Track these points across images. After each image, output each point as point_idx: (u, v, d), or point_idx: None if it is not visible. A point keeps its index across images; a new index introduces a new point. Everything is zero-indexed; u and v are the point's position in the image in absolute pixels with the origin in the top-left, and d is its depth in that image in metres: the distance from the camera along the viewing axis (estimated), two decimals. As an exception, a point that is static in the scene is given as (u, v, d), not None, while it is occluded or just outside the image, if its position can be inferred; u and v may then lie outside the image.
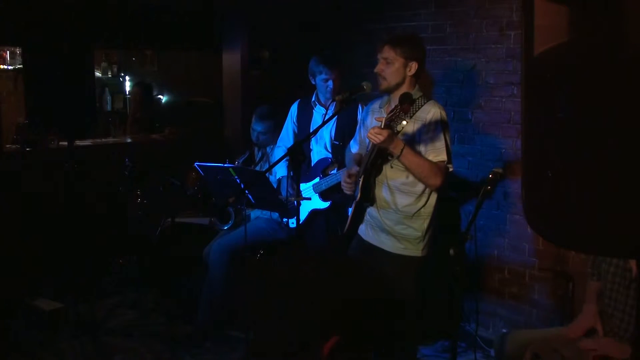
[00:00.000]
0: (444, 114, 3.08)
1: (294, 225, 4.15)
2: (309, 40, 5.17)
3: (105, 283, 4.91)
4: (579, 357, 2.79)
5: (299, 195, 3.09)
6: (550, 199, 1.38)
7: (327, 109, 3.95)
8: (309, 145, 4.11)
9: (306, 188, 4.03)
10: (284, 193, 3.93)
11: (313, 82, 4.01)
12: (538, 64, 1.36)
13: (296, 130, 4.18)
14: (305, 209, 4.05)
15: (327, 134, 4.05)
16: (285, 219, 4.19)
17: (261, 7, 5.33)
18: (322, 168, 3.99)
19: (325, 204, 3.98)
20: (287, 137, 4.20)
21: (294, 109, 4.23)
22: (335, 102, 3.69)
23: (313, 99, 4.07)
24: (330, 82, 3.91)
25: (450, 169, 3.09)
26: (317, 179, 3.99)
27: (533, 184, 1.43)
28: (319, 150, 4.08)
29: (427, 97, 3.16)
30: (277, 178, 4.28)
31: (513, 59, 3.96)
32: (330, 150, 4.04)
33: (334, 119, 3.97)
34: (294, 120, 4.21)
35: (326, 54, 4.05)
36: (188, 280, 4.64)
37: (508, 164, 4.02)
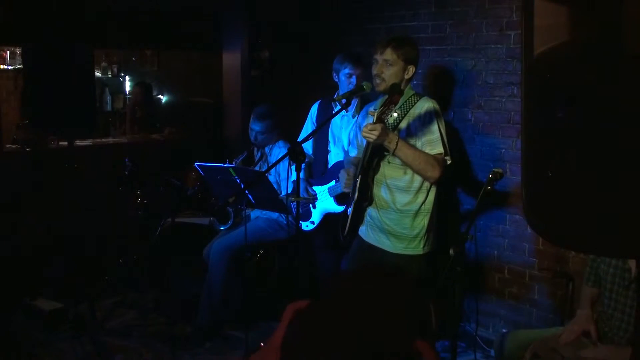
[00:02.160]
0: (437, 107, 3.10)
1: (309, 228, 4.13)
2: (309, 40, 5.17)
3: (105, 283, 4.91)
4: (579, 357, 2.79)
5: (298, 196, 3.08)
6: (550, 199, 1.38)
7: (347, 110, 3.91)
8: (327, 147, 4.08)
9: (322, 191, 4.01)
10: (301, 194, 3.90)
11: (336, 80, 3.97)
12: (538, 64, 1.36)
13: None
14: (319, 212, 4.04)
15: (344, 135, 4.01)
16: (300, 222, 4.14)
17: (261, 7, 5.33)
18: (339, 171, 3.96)
19: (340, 208, 3.95)
20: None
21: (314, 109, 4.19)
22: (352, 102, 3.67)
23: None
24: (353, 78, 3.88)
25: (449, 162, 3.09)
26: (332, 182, 3.96)
27: (533, 184, 1.43)
28: (337, 152, 4.05)
29: (421, 95, 3.18)
30: (293, 180, 4.24)
31: (513, 59, 3.96)
32: None
33: (354, 121, 3.95)
34: (314, 121, 4.17)
35: (351, 51, 4.05)
36: (188, 280, 4.64)
37: (508, 164, 4.02)
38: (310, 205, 4.07)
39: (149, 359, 3.98)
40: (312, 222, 4.07)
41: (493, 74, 4.08)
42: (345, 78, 3.91)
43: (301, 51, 5.20)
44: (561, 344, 2.88)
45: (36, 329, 4.23)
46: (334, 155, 4.06)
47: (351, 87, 3.87)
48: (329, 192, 3.97)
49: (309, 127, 4.20)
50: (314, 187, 4.04)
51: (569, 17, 1.33)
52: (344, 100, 3.35)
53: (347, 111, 3.88)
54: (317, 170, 4.11)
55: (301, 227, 4.12)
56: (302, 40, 5.25)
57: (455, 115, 4.30)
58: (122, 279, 4.91)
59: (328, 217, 4.03)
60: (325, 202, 4.00)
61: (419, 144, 3.06)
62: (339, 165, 3.98)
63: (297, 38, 5.30)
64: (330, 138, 4.07)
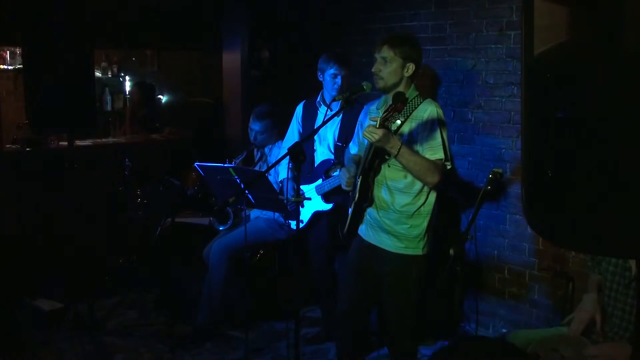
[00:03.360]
0: (440, 112, 3.09)
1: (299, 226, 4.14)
2: (309, 40, 5.17)
3: (105, 283, 4.91)
4: (579, 357, 2.79)
5: (299, 196, 3.08)
6: (550, 199, 1.38)
7: (330, 109, 3.93)
8: (313, 146, 4.10)
9: (309, 190, 4.02)
10: (286, 194, 3.93)
11: (321, 79, 3.97)
12: (538, 64, 1.36)
13: (301, 131, 4.15)
14: (307, 211, 4.05)
15: (330, 135, 4.03)
16: (288, 221, 4.18)
17: (261, 6, 5.33)
18: (325, 170, 3.98)
19: (327, 206, 3.97)
20: (292, 138, 4.15)
21: (299, 109, 4.21)
22: (338, 102, 3.68)
23: (318, 99, 4.05)
24: (338, 79, 3.88)
25: (448, 167, 3.09)
26: (319, 181, 3.98)
27: (533, 184, 1.43)
28: (323, 151, 4.07)
29: (425, 96, 3.17)
30: (279, 180, 4.26)
31: (513, 59, 3.96)
32: (333, 152, 4.03)
33: (338, 120, 3.97)
34: (299, 121, 4.18)
35: (337, 51, 4.04)
36: (188, 280, 4.64)
37: (508, 164, 4.02)
38: (294, 203, 4.09)
39: (149, 359, 3.98)
40: (301, 221, 4.09)
41: (493, 74, 4.09)
42: (330, 78, 3.91)
43: (301, 51, 5.20)
44: (571, 334, 2.88)
45: (36, 329, 4.24)
46: (320, 154, 4.07)
47: (336, 87, 3.89)
48: (316, 190, 3.99)
49: (294, 127, 4.21)
50: (301, 187, 4.06)
51: (569, 17, 1.34)
52: (335, 106, 3.31)
53: (331, 110, 3.90)
54: (305, 169, 4.13)
55: (290, 225, 4.14)
56: (302, 40, 5.25)
57: (455, 115, 4.30)
58: (122, 279, 4.91)
59: (316, 215, 4.04)
60: (313, 200, 4.02)
61: (419, 148, 3.05)
62: (324, 164, 4.00)
63: (297, 38, 5.30)
64: (315, 137, 4.08)
